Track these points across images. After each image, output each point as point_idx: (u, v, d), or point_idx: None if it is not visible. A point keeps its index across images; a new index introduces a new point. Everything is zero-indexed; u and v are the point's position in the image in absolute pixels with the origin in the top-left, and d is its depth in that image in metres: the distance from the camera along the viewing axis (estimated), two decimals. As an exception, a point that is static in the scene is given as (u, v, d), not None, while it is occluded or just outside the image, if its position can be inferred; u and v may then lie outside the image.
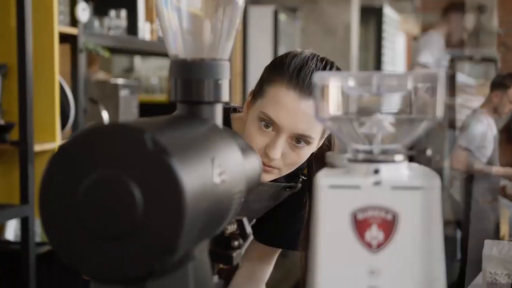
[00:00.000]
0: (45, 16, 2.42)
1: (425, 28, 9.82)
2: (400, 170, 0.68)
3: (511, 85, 4.23)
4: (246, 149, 0.83)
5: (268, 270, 1.49)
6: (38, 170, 2.37)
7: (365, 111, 0.71)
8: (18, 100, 2.27)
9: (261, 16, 4.61)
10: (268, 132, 1.23)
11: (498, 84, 4.19)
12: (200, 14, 0.79)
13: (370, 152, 0.69)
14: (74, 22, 2.60)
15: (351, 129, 0.70)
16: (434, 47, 4.29)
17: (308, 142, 1.24)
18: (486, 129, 4.12)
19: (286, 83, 1.21)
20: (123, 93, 2.96)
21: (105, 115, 2.86)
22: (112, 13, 2.97)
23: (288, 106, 1.21)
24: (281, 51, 5.69)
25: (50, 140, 2.45)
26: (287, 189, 1.39)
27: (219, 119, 0.79)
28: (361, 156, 0.69)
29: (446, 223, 3.97)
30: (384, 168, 0.67)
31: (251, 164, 0.81)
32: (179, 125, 0.70)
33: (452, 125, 4.63)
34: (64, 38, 2.58)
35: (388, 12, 7.45)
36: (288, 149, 1.24)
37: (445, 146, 5.52)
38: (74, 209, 0.60)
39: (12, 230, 2.56)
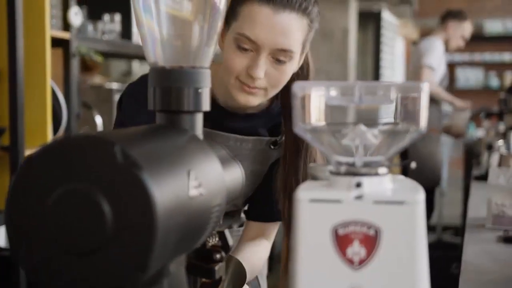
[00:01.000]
0: (37, 20, 2.39)
1: (424, 33, 9.83)
2: (383, 184, 0.66)
3: (466, 19, 4.45)
4: (227, 159, 0.80)
5: (266, 250, 1.43)
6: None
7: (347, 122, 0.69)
8: (9, 104, 2.25)
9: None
10: (247, 53, 1.21)
11: (452, 15, 4.43)
12: (180, 21, 0.77)
13: (352, 164, 0.67)
14: (66, 26, 2.57)
15: (333, 140, 0.67)
16: (437, 51, 4.35)
17: (289, 57, 1.21)
18: (442, 53, 4.36)
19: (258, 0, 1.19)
20: (118, 97, 2.93)
21: (99, 120, 2.83)
22: (106, 17, 2.95)
23: (264, 21, 1.18)
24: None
25: (41, 145, 2.42)
26: (272, 146, 1.36)
27: (199, 129, 0.77)
28: (343, 168, 0.66)
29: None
30: (367, 182, 0.65)
31: (231, 175, 0.79)
32: (155, 136, 0.67)
33: (447, 131, 4.67)
34: (57, 42, 2.55)
35: (387, 16, 7.44)
36: (270, 68, 1.21)
37: (442, 150, 5.50)
38: (42, 222, 0.58)
39: (2, 236, 2.54)
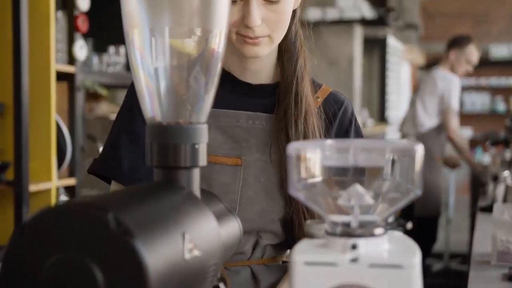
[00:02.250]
0: (42, 54, 2.41)
1: (430, 58, 9.85)
2: (379, 245, 0.65)
3: (467, 44, 4.43)
4: (224, 213, 0.80)
5: None
6: (32, 211, 2.35)
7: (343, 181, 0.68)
8: (14, 140, 2.26)
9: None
10: (236, 4, 1.13)
11: (454, 43, 4.43)
12: (177, 76, 0.77)
13: (348, 224, 0.66)
14: (72, 60, 2.59)
15: (328, 200, 0.67)
16: (458, 91, 4.35)
17: None
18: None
19: None
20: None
21: (103, 152, 2.83)
22: (112, 49, 2.97)
23: None
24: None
25: (46, 179, 2.43)
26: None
27: (196, 185, 0.77)
28: (338, 229, 0.66)
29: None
30: (363, 243, 0.64)
31: (228, 230, 0.79)
32: (150, 197, 0.67)
33: (445, 161, 4.65)
34: (62, 75, 2.57)
35: (392, 42, 7.46)
36: (265, 11, 1.14)
37: (449, 177, 5.48)
38: (36, 290, 0.58)
39: None
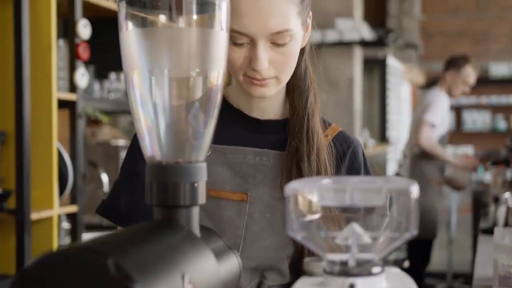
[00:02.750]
0: (44, 82, 2.43)
1: (430, 77, 9.90)
2: (377, 284, 0.66)
3: (464, 65, 4.42)
4: (223, 250, 0.81)
5: None
6: (35, 239, 2.35)
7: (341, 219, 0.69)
8: (15, 168, 2.27)
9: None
10: (244, 47, 1.11)
11: (451, 64, 4.42)
12: (176, 115, 0.79)
13: (345, 263, 0.67)
14: (73, 87, 2.61)
15: (326, 239, 0.68)
16: (441, 108, 4.35)
17: (289, 37, 1.11)
18: (446, 110, 4.36)
19: None
20: (124, 154, 2.95)
21: (105, 178, 2.85)
22: (112, 75, 2.99)
23: (248, 10, 1.08)
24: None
25: (47, 207, 2.43)
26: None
27: (195, 223, 0.77)
28: (336, 268, 0.67)
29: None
30: (360, 282, 0.65)
31: (228, 267, 0.79)
32: (149, 239, 0.68)
33: (448, 182, 4.64)
34: (64, 103, 2.59)
35: (392, 62, 7.50)
36: (273, 54, 1.12)
37: (450, 197, 5.48)
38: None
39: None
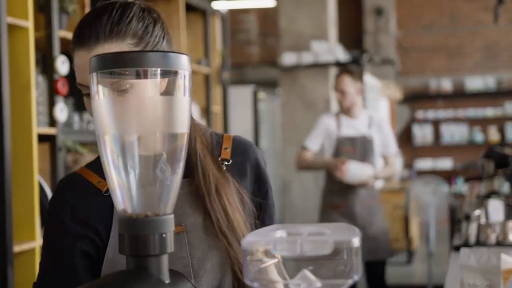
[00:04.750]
0: (24, 118, 2.49)
1: (407, 92, 10.05)
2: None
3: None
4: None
5: None
6: (17, 271, 2.41)
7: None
8: (-3, 203, 2.33)
9: (241, 95, 4.74)
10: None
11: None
12: (145, 174, 0.86)
13: (298, 306, 0.75)
14: (52, 122, 2.68)
15: (280, 285, 0.76)
16: (315, 128, 4.13)
17: (129, 85, 1.09)
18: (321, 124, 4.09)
19: (75, 46, 1.16)
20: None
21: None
22: (91, 107, 3.07)
23: (82, 64, 1.14)
24: (262, 127, 5.84)
25: (29, 239, 2.49)
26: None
27: (164, 270, 0.85)
28: (290, 312, 0.75)
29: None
30: (311, 324, 0.73)
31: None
32: (121, 290, 0.76)
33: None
34: (44, 137, 2.65)
35: (369, 79, 7.62)
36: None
37: (428, 212, 5.57)
38: None
39: None
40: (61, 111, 2.65)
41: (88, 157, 3.68)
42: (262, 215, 1.32)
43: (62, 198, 1.24)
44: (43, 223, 2.60)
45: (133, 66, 0.83)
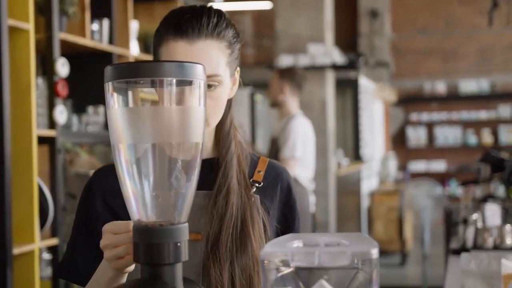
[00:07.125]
0: (24, 120, 2.49)
1: (401, 94, 10.08)
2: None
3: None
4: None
5: None
6: (16, 273, 2.40)
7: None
8: (-3, 205, 2.32)
9: (238, 98, 4.71)
10: None
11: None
12: (159, 184, 0.87)
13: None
14: (52, 124, 2.67)
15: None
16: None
17: (217, 81, 1.19)
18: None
19: (172, 36, 1.18)
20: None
21: (84, 210, 2.89)
22: (90, 109, 3.06)
23: (182, 54, 1.17)
24: (259, 130, 5.85)
25: (29, 241, 2.49)
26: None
27: (179, 278, 0.85)
28: (306, 322, 0.75)
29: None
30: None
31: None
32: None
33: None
34: (43, 139, 2.65)
35: (364, 82, 7.64)
36: None
37: (424, 215, 5.58)
38: None
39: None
40: (61, 113, 2.65)
41: (84, 158, 3.68)
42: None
43: (96, 184, 1.25)
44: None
45: (149, 76, 0.83)
